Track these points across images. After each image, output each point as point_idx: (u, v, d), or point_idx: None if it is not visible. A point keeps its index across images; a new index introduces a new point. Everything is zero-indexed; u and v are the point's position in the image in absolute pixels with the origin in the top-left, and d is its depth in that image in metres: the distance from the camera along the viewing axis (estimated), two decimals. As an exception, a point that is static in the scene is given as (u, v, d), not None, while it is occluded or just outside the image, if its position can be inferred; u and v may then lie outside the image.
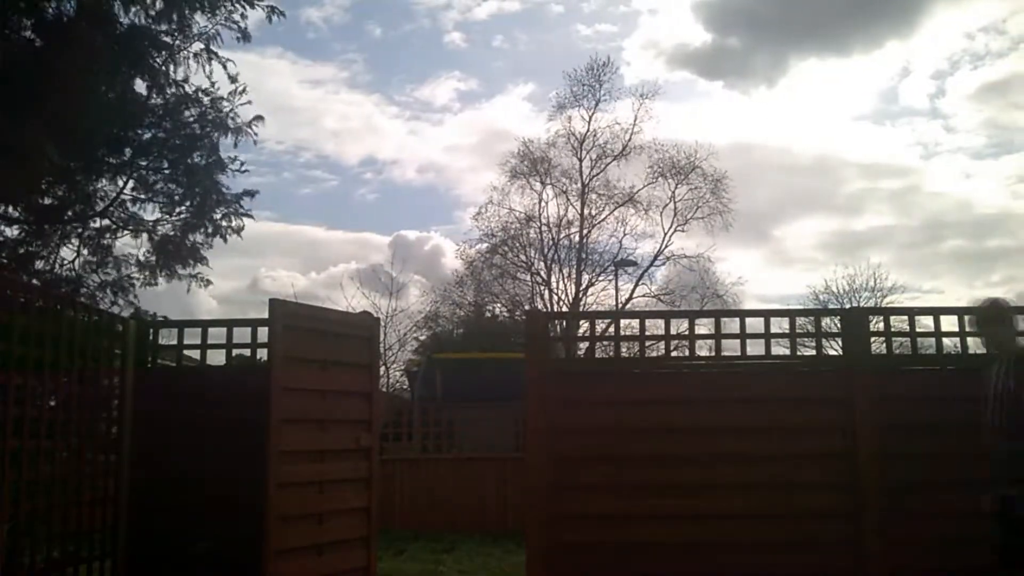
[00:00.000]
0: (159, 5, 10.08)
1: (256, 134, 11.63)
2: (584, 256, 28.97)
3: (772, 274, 41.64)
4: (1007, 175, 41.18)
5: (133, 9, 9.98)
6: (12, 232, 10.77)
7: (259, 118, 11.62)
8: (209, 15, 10.71)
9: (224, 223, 11.65)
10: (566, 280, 29.23)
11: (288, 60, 36.27)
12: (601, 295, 28.83)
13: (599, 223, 29.24)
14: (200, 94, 11.33)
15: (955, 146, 41.20)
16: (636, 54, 49.23)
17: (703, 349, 6.44)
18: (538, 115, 42.39)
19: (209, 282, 12.07)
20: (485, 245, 29.34)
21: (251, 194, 11.84)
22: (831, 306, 27.33)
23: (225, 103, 11.42)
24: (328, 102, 41.17)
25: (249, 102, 11.54)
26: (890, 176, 42.83)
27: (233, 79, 11.36)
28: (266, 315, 5.46)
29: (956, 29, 42.74)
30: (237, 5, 10.80)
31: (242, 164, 11.84)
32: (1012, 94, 41.34)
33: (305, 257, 45.32)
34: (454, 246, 44.10)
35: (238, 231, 11.70)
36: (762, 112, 40.88)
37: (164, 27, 10.42)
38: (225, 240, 11.69)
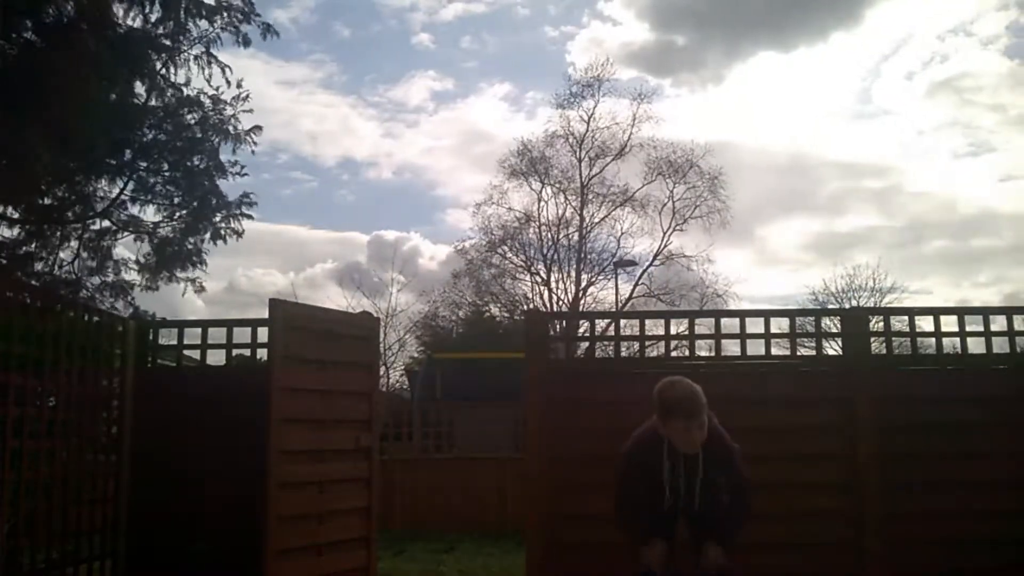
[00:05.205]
0: (157, 10, 10.12)
1: (256, 143, 11.69)
2: (583, 256, 29.03)
3: (759, 275, 41.66)
4: (989, 175, 41.21)
5: (132, 13, 10.02)
6: (12, 233, 10.79)
7: (258, 128, 11.66)
8: (208, 22, 10.77)
9: (223, 226, 11.69)
10: (566, 280, 29.30)
11: (261, 60, 36.19)
12: (600, 295, 28.90)
13: (598, 222, 29.33)
14: (202, 96, 11.38)
15: (936, 145, 41.15)
16: (580, 56, 49.61)
17: (703, 349, 6.44)
18: (515, 115, 42.28)
19: (203, 288, 12.13)
20: (480, 241, 29.41)
21: (251, 203, 11.87)
22: (830, 306, 27.36)
23: (227, 108, 11.45)
24: (303, 103, 41.19)
25: (251, 110, 11.59)
26: (871, 176, 42.88)
27: (238, 84, 11.43)
28: (253, 314, 5.48)
29: (902, 20, 42.93)
30: (233, 17, 10.86)
31: (242, 168, 11.88)
32: (975, 91, 41.50)
33: (287, 257, 45.46)
34: (433, 246, 44.37)
35: (238, 234, 11.75)
36: (722, 109, 40.76)
37: (162, 30, 10.46)
38: (226, 242, 11.75)
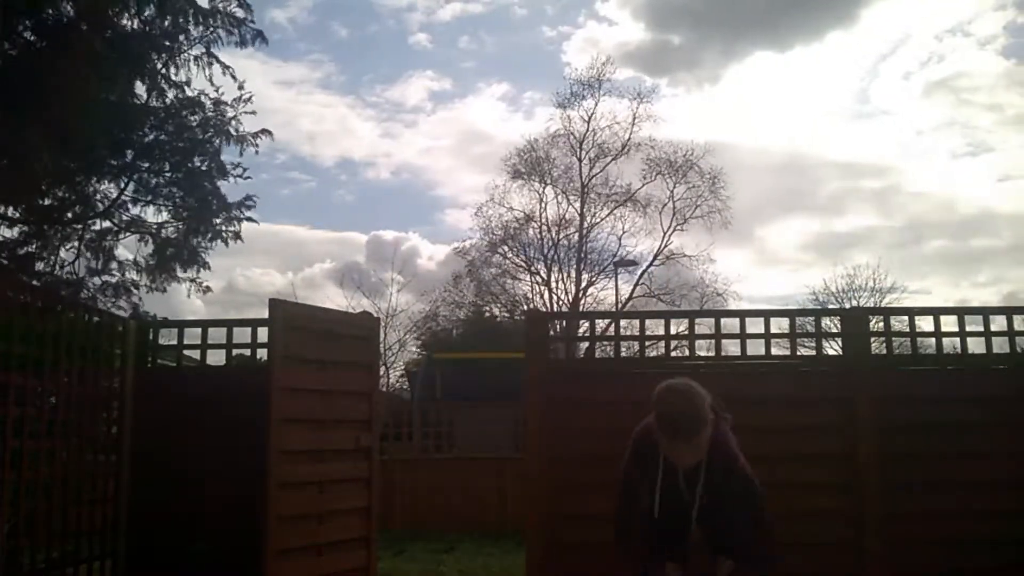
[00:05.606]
0: (151, 13, 10.14)
1: (257, 145, 11.66)
2: (583, 256, 29.04)
3: (759, 275, 41.62)
4: (987, 175, 41.20)
5: (128, 13, 10.02)
6: (12, 233, 10.79)
7: (267, 131, 11.64)
8: (202, 28, 10.77)
9: (224, 227, 11.68)
10: (566, 280, 29.30)
11: (259, 60, 36.16)
12: (600, 295, 28.90)
13: (599, 222, 29.34)
14: (204, 98, 11.37)
15: (934, 145, 41.10)
16: (576, 57, 49.41)
17: (703, 349, 6.44)
18: (513, 115, 42.23)
19: (209, 288, 12.11)
20: (481, 241, 29.41)
21: (251, 205, 11.87)
22: (830, 306, 27.35)
23: (229, 109, 11.45)
24: (301, 103, 41.14)
25: (254, 112, 11.57)
26: (870, 176, 42.86)
27: (240, 87, 11.43)
28: (252, 314, 5.49)
29: (899, 20, 42.89)
30: (226, 24, 10.87)
31: (244, 170, 11.85)
32: (972, 91, 41.42)
33: (286, 257, 45.42)
34: (432, 246, 44.41)
35: (238, 236, 11.74)
36: (719, 109, 40.59)
37: (157, 32, 10.46)
38: (227, 244, 11.74)
